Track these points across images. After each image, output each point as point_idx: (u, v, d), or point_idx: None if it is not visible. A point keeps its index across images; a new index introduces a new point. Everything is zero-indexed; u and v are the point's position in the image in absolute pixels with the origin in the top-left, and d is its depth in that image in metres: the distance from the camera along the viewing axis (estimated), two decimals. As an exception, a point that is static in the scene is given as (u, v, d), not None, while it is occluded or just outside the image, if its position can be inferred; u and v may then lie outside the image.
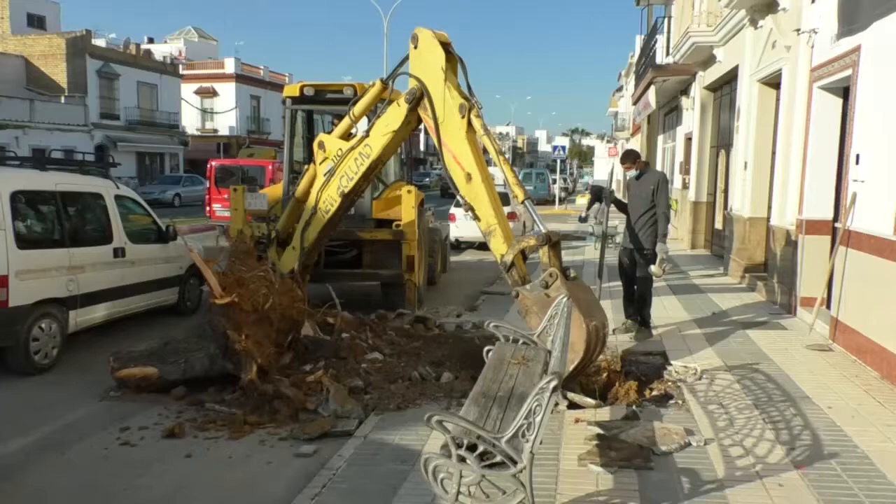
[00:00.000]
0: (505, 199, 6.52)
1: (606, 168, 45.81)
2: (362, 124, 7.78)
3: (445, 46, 6.54)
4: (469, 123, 6.39)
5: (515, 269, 6.08)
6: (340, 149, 7.36)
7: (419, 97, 6.66)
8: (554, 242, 5.88)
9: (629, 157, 7.91)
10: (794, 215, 8.99)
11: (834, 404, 5.52)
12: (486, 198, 6.31)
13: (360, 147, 7.19)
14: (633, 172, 7.86)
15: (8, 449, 5.11)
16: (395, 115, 6.94)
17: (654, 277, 7.66)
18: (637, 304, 7.86)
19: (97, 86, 39.33)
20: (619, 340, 7.53)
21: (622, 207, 8.03)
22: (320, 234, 7.66)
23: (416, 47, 6.70)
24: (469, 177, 6.38)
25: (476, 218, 6.41)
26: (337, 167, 7.32)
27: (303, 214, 7.74)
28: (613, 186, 8.27)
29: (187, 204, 33.13)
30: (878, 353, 6.29)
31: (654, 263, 7.50)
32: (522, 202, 6.22)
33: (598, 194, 8.20)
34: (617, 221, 12.34)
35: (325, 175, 7.45)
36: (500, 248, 6.20)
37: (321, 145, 7.59)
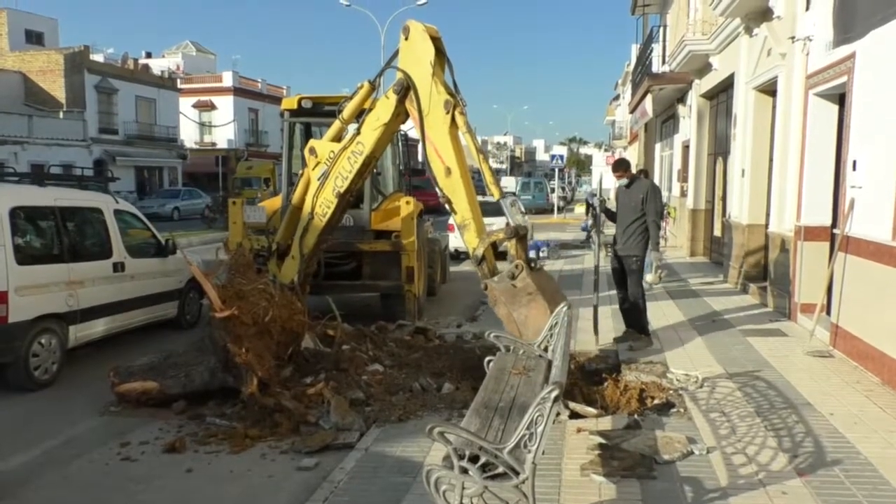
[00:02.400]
0: (499, 211, 6.70)
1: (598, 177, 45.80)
2: (351, 128, 7.83)
3: (435, 41, 6.65)
4: (453, 120, 6.52)
5: (486, 263, 6.43)
6: (332, 151, 7.41)
7: (407, 88, 6.78)
8: (521, 236, 6.31)
9: (621, 166, 8.00)
10: (793, 222, 9.00)
11: (836, 411, 5.51)
12: (463, 192, 6.54)
13: (352, 146, 7.27)
14: (623, 181, 7.90)
15: (9, 465, 5.09)
16: (384, 108, 7.05)
17: (650, 286, 7.69)
18: (632, 313, 7.85)
19: (95, 101, 39.40)
20: (620, 349, 7.53)
21: (612, 216, 8.06)
22: (318, 239, 7.68)
23: (406, 38, 6.82)
24: (448, 171, 6.55)
25: (453, 211, 6.66)
26: (331, 169, 7.36)
27: (300, 222, 7.76)
28: (612, 195, 8.30)
29: (186, 217, 33.15)
30: (879, 358, 6.29)
31: (644, 271, 7.53)
32: (498, 200, 6.53)
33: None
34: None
35: (318, 179, 7.48)
36: (472, 242, 6.54)
37: (312, 151, 7.64)
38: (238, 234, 9.16)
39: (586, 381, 6.36)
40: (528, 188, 38.68)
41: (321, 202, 7.48)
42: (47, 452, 5.32)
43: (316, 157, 7.56)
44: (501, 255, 7.31)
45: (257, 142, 53.00)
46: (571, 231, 24.54)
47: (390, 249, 9.38)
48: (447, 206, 6.69)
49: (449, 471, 3.39)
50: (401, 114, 7.07)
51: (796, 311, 8.66)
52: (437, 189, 6.70)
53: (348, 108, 7.54)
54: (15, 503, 4.53)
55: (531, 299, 5.94)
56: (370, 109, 7.21)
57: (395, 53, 6.99)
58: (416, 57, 6.70)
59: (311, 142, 7.92)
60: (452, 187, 6.55)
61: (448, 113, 6.48)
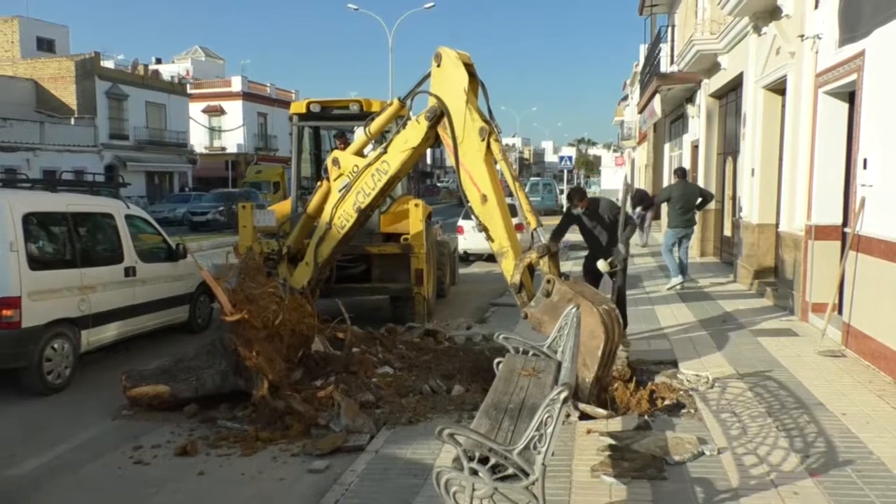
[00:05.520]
0: (511, 210, 6.68)
1: (616, 178, 45.70)
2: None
3: (468, 68, 6.59)
4: (488, 147, 6.48)
5: (525, 291, 6.33)
6: (356, 165, 7.40)
7: (440, 115, 6.71)
8: (553, 253, 6.28)
9: (577, 195, 8.20)
10: (803, 221, 8.96)
11: (848, 410, 5.48)
12: (500, 220, 6.49)
13: (377, 163, 7.23)
14: (579, 210, 8.02)
15: (22, 469, 5.13)
16: (415, 132, 6.97)
17: (603, 272, 7.78)
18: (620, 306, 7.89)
19: (106, 107, 39.69)
20: (629, 352, 7.51)
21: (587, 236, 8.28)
22: (334, 249, 7.70)
23: (438, 66, 6.74)
24: (485, 198, 6.51)
25: (490, 239, 6.60)
26: (353, 183, 7.35)
27: (316, 230, 7.77)
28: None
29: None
30: (892, 357, 6.25)
31: (626, 273, 7.61)
32: (535, 230, 6.45)
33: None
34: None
35: (340, 191, 7.47)
36: (510, 270, 6.46)
37: (336, 162, 7.63)
38: (248, 238, 9.19)
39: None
40: (537, 189, 38.63)
41: (341, 214, 7.47)
42: (60, 456, 5.36)
43: (339, 168, 7.56)
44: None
45: (266, 146, 53.22)
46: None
47: (399, 252, 9.40)
48: (484, 234, 6.66)
49: (459, 472, 3.39)
50: (430, 138, 6.99)
51: (807, 310, 8.62)
52: (473, 217, 6.71)
53: (375, 124, 7.50)
54: (29, 507, 4.57)
55: (574, 305, 5.85)
56: (399, 129, 7.19)
57: (426, 77, 6.92)
58: (449, 84, 6.63)
59: (335, 153, 7.93)
60: (489, 215, 6.51)
61: (483, 140, 6.44)
